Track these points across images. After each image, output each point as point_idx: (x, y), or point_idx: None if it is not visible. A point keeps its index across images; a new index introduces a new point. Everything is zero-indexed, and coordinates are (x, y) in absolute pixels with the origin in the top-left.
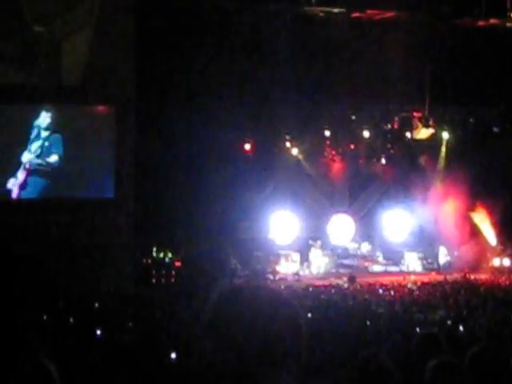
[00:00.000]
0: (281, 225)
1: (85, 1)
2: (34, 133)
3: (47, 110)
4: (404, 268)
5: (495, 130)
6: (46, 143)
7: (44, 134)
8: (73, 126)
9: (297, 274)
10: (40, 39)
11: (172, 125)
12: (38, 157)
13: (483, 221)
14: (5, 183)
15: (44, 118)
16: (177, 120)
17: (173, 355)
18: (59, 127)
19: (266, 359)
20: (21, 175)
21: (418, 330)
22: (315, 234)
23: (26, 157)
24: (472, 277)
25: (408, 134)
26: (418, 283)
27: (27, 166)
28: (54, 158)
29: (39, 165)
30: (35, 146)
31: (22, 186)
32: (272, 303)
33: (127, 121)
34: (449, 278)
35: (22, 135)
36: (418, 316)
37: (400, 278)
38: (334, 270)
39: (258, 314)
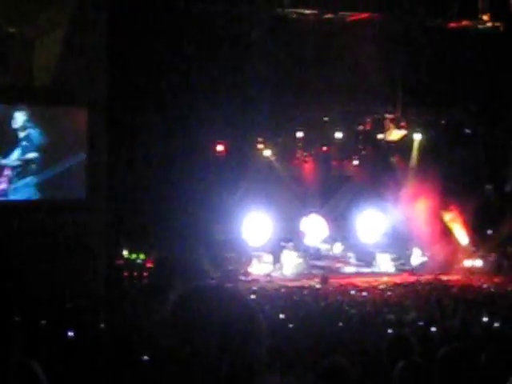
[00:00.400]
0: (253, 226)
1: (57, 1)
2: (10, 135)
3: (20, 111)
4: (376, 269)
5: (467, 131)
6: (24, 143)
7: (21, 134)
8: (44, 126)
9: (269, 275)
10: (12, 39)
11: (144, 126)
12: (17, 159)
13: (455, 222)
14: None
15: (18, 119)
16: (149, 121)
17: (145, 357)
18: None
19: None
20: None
21: (389, 331)
22: (287, 236)
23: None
24: (444, 278)
25: (380, 136)
26: (390, 284)
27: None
28: (32, 155)
29: (18, 166)
30: (14, 152)
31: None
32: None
33: (99, 122)
34: (421, 279)
35: None
36: (390, 317)
37: (372, 279)
38: (306, 271)
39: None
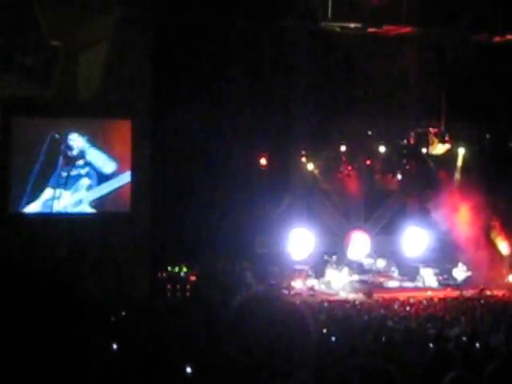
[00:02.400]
0: (296, 240)
1: (102, 14)
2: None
3: (77, 134)
4: (419, 284)
5: (511, 145)
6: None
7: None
8: (90, 140)
9: (312, 289)
10: (57, 52)
11: (188, 139)
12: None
13: (498, 236)
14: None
15: (74, 143)
16: (193, 134)
17: (188, 369)
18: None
19: (279, 366)
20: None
21: (431, 345)
22: (331, 250)
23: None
24: (488, 293)
25: (424, 150)
26: (434, 299)
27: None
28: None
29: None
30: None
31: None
32: (286, 314)
33: (143, 135)
34: (465, 293)
35: (47, 156)
36: (432, 332)
37: (415, 294)
38: (349, 286)
39: (274, 322)
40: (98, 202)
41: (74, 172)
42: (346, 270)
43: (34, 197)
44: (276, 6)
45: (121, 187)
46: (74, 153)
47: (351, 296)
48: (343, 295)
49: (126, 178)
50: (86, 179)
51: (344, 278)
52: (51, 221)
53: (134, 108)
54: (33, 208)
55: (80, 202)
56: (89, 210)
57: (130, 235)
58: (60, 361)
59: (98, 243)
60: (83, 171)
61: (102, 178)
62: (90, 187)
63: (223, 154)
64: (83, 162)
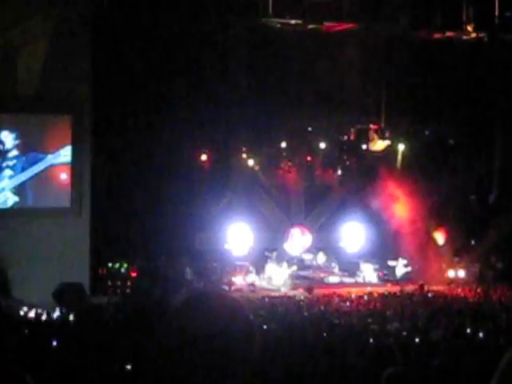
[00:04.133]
0: (237, 236)
1: (41, 10)
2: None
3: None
4: (360, 279)
5: (451, 142)
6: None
7: (11, 154)
8: (29, 135)
9: (252, 284)
10: None
11: (128, 135)
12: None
13: (438, 232)
14: None
15: (6, 138)
16: (133, 131)
17: (128, 367)
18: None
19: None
20: None
21: (371, 340)
22: (271, 246)
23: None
24: (427, 288)
25: (364, 146)
26: (374, 294)
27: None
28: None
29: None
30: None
31: None
32: (228, 310)
33: (83, 131)
34: (405, 289)
35: None
36: (373, 327)
37: (356, 290)
38: (289, 282)
39: (215, 319)
40: (19, 189)
41: (3, 164)
42: (286, 265)
43: None
44: (216, 1)
45: (42, 171)
46: (6, 147)
47: (292, 292)
48: (284, 291)
49: (48, 161)
50: (8, 170)
51: (284, 273)
52: None
53: (75, 103)
54: None
55: (2, 189)
56: (12, 197)
57: (69, 231)
58: None
59: (38, 239)
60: (11, 163)
61: (26, 166)
62: (12, 176)
63: (164, 150)
64: (13, 155)
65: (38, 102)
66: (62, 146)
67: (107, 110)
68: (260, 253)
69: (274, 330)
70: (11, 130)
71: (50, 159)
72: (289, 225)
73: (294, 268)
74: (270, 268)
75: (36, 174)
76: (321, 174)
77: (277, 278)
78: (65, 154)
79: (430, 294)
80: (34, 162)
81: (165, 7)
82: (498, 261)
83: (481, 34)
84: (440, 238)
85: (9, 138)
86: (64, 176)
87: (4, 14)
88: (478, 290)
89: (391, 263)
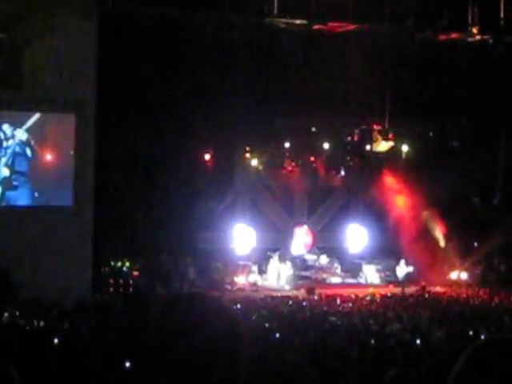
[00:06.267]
0: (240, 236)
1: (47, 7)
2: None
3: (9, 123)
4: (362, 280)
5: (455, 143)
6: (16, 149)
7: (8, 143)
8: (33, 133)
9: (255, 284)
10: (1, 45)
11: (132, 134)
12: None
13: (441, 234)
14: None
15: (6, 129)
16: (137, 129)
17: (127, 364)
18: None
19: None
20: None
21: (373, 342)
22: (274, 245)
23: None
24: (429, 289)
25: (368, 147)
26: (376, 295)
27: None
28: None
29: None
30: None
31: None
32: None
33: (87, 129)
34: (407, 290)
35: None
36: (375, 328)
37: (358, 290)
38: (292, 281)
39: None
40: (22, 188)
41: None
42: (289, 265)
43: None
44: (221, 1)
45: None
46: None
47: (294, 292)
48: (286, 291)
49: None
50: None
51: (287, 273)
52: None
53: (79, 102)
54: None
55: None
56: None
57: (73, 229)
58: None
59: (39, 237)
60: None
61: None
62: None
63: (168, 149)
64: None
65: (43, 100)
66: (65, 145)
67: (111, 109)
68: (263, 252)
69: (276, 330)
70: (17, 126)
71: (52, 157)
72: (292, 225)
73: (297, 268)
74: (273, 268)
75: (38, 173)
76: (324, 175)
77: (279, 278)
78: (67, 152)
79: (431, 296)
80: (37, 161)
81: (170, 5)
82: (500, 263)
83: (486, 37)
84: (442, 239)
85: (10, 132)
86: (67, 174)
87: (9, 12)
88: (481, 293)
89: (394, 264)
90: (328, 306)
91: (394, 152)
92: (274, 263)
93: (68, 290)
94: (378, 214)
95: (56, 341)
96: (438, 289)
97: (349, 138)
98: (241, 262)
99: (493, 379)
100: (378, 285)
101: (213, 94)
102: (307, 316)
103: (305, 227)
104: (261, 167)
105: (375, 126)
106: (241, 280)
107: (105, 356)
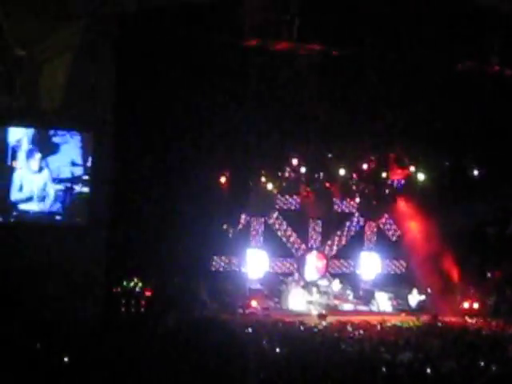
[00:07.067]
0: (253, 259)
1: (67, 25)
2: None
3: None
4: (374, 308)
5: (470, 173)
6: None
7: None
8: (50, 150)
9: (267, 308)
10: (21, 62)
11: (149, 155)
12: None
13: (453, 263)
14: None
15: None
16: (153, 151)
17: None
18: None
19: None
20: None
21: (384, 369)
22: (287, 270)
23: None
24: (441, 319)
25: (384, 174)
26: (388, 323)
27: None
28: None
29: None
30: None
31: None
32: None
33: (104, 147)
34: (418, 319)
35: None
36: (386, 356)
37: (370, 318)
38: (304, 307)
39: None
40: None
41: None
42: (301, 291)
43: None
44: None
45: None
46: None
47: (306, 317)
48: (298, 316)
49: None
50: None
51: (299, 299)
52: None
53: (97, 120)
54: None
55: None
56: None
57: (85, 248)
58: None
59: (52, 254)
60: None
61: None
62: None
63: (183, 171)
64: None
65: (60, 118)
66: (82, 162)
67: (129, 127)
68: (275, 277)
69: (286, 355)
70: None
71: (70, 174)
72: (305, 250)
73: (311, 298)
74: (285, 293)
75: (55, 189)
76: (339, 201)
77: (291, 303)
78: (85, 171)
79: (443, 325)
80: (54, 176)
81: (187, 22)
82: None
83: (504, 67)
84: (455, 269)
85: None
86: (83, 192)
87: (29, 29)
88: (493, 323)
89: (406, 293)
90: (339, 333)
91: (409, 180)
92: (287, 288)
93: (79, 309)
94: (391, 242)
95: (66, 359)
96: (450, 318)
97: (365, 165)
98: (253, 286)
99: None
100: (390, 313)
101: (230, 116)
102: (318, 341)
103: (318, 253)
104: (276, 191)
105: (391, 154)
106: (253, 304)
107: (114, 375)
